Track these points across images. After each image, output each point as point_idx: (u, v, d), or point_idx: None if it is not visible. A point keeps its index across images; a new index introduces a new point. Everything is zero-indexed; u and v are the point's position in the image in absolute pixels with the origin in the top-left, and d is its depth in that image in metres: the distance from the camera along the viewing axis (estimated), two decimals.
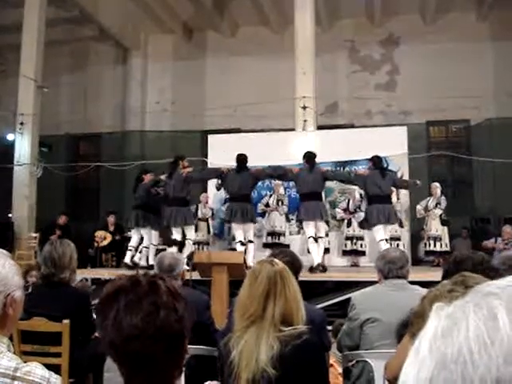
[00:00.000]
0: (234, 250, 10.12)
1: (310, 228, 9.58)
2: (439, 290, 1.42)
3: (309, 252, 9.80)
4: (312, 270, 9.16)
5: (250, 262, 8.66)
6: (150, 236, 10.64)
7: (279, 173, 9.95)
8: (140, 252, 10.67)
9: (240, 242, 9.70)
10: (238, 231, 9.79)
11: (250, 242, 9.81)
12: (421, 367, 0.48)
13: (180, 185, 9.83)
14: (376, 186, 9.44)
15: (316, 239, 9.52)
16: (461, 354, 0.46)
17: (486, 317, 0.47)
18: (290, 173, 9.78)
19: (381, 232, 9.47)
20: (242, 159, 9.82)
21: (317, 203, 9.53)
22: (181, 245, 9.85)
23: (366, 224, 10.03)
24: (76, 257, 4.12)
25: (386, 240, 9.46)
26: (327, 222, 11.11)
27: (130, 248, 10.70)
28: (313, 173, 9.54)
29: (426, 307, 1.38)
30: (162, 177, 10.36)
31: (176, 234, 9.95)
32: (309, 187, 9.49)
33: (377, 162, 9.72)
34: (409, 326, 1.40)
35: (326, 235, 11.01)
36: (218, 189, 10.96)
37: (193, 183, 10.15)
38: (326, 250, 11.07)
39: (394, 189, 10.84)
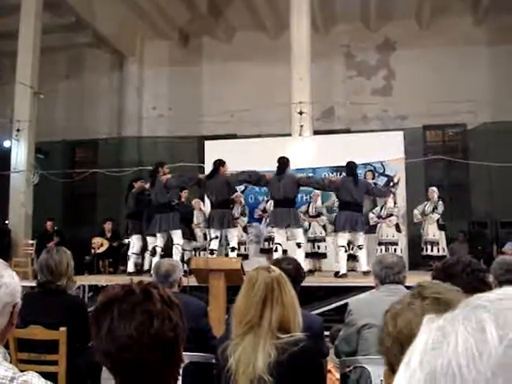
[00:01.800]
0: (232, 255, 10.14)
1: (278, 235, 9.60)
2: (401, 304, 1.42)
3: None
4: None
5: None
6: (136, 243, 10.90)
7: (254, 178, 9.93)
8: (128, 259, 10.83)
9: (211, 250, 9.76)
10: (214, 238, 9.84)
11: (233, 249, 9.86)
12: (411, 380, 0.48)
13: (161, 191, 9.91)
14: (348, 192, 9.45)
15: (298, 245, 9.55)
16: (450, 367, 0.46)
17: (474, 329, 0.47)
18: (264, 178, 9.78)
19: (342, 239, 9.53)
20: (214, 164, 9.85)
21: (288, 210, 9.52)
22: (154, 251, 9.97)
23: (333, 228, 10.12)
24: (73, 264, 4.12)
25: (346, 249, 9.57)
26: (324, 227, 11.11)
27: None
28: (283, 179, 9.52)
29: (387, 322, 1.38)
30: (147, 186, 10.57)
31: (160, 240, 10.00)
32: (280, 193, 9.50)
33: (349, 169, 9.75)
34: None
35: (326, 240, 11.04)
36: None
37: (171, 189, 10.17)
38: (323, 255, 11.07)
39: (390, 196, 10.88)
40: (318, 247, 11.00)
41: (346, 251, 9.62)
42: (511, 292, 0.50)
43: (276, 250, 9.42)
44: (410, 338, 0.54)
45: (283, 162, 9.65)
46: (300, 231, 9.67)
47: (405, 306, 1.37)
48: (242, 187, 11.42)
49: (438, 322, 0.51)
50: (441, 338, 0.49)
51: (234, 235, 9.96)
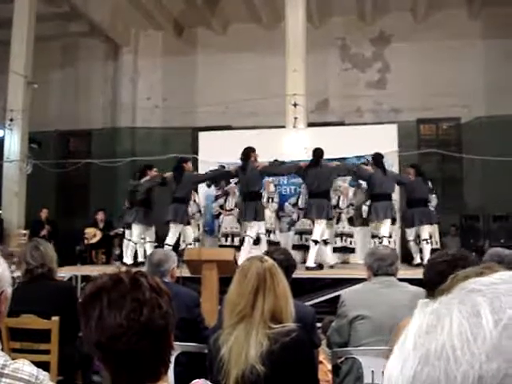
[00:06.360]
0: (224, 246, 10.15)
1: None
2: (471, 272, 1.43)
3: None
4: None
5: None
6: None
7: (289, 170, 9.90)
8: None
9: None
10: (249, 229, 9.61)
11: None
12: (405, 363, 0.48)
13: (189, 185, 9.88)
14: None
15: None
16: (444, 351, 0.46)
17: (469, 313, 0.47)
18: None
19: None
20: (243, 154, 9.61)
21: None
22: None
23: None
24: (56, 256, 4.17)
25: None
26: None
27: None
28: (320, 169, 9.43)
29: (454, 284, 1.38)
30: (167, 174, 10.16)
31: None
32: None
33: (377, 160, 9.72)
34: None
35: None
36: (209, 186, 10.95)
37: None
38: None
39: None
40: (306, 239, 10.95)
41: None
42: (506, 276, 0.50)
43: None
44: None
45: (316, 153, 9.58)
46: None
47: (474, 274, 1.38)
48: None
49: (432, 305, 0.51)
50: (435, 322, 0.48)
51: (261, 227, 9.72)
